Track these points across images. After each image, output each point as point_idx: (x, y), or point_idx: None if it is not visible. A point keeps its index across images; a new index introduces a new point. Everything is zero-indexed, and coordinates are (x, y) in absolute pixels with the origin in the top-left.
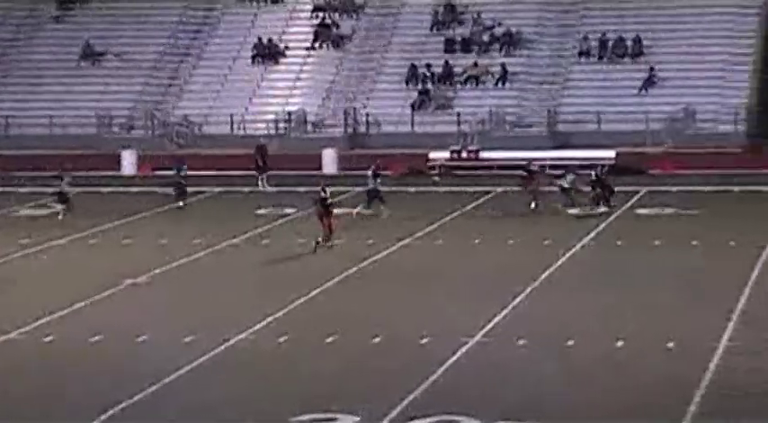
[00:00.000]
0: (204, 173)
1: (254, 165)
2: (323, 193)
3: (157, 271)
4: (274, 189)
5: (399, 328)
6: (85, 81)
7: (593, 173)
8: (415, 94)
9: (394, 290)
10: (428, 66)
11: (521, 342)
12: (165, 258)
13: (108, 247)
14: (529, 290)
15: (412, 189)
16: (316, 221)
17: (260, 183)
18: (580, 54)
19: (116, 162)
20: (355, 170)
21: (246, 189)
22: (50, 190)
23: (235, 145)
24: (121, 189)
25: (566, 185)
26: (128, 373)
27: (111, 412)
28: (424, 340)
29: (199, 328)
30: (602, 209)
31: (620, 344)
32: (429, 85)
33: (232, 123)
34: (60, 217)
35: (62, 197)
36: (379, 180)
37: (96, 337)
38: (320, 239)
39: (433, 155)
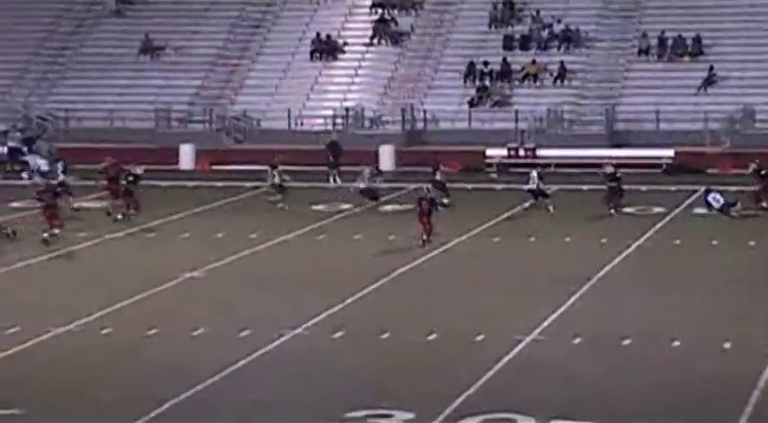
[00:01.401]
0: (262, 168)
1: (326, 160)
2: (426, 193)
3: (215, 265)
4: (349, 185)
5: (454, 326)
6: (145, 75)
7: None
8: (472, 91)
9: (449, 287)
10: (486, 63)
11: (576, 341)
12: (223, 252)
13: (166, 241)
14: (585, 288)
15: (468, 186)
16: (410, 219)
17: (331, 179)
18: (639, 52)
19: (174, 156)
20: (412, 166)
21: (304, 184)
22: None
23: (293, 140)
24: (179, 183)
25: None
26: (182, 367)
27: (165, 407)
28: (479, 338)
29: (254, 323)
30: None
31: (675, 344)
32: (487, 82)
33: (290, 119)
34: (125, 213)
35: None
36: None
37: (152, 331)
38: (425, 237)
39: (490, 152)
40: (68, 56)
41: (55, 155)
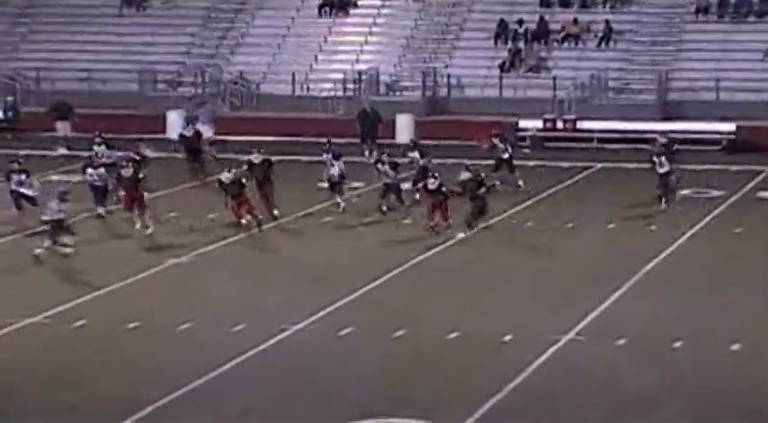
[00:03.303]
0: (262, 138)
1: (359, 132)
2: (475, 174)
3: (204, 250)
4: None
5: (479, 323)
6: (128, 31)
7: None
8: (504, 54)
9: (474, 279)
10: (520, 22)
11: (620, 342)
12: (213, 236)
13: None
14: (630, 283)
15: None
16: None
17: (366, 153)
18: (697, 11)
19: (161, 124)
20: (433, 139)
21: (310, 159)
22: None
23: (297, 108)
24: (166, 155)
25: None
26: (165, 365)
27: (144, 411)
28: (508, 337)
29: (249, 317)
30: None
31: (735, 347)
32: (521, 44)
33: (294, 83)
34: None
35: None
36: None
37: (132, 324)
38: (473, 221)
39: (523, 123)
40: (38, 8)
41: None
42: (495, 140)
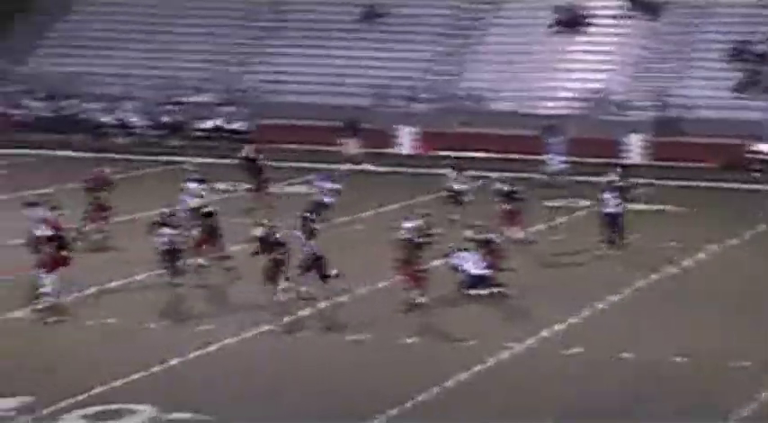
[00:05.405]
0: (488, 155)
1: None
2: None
3: None
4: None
5: (709, 346)
6: (364, 45)
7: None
8: (739, 75)
9: (699, 305)
10: (756, 42)
11: None
12: None
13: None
14: None
15: (726, 185)
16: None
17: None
18: None
19: (392, 139)
20: (663, 160)
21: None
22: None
23: (523, 125)
24: (398, 169)
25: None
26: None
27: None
28: (739, 363)
29: (478, 334)
30: None
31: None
32: (758, 65)
33: (522, 100)
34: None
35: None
36: None
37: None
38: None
39: (757, 146)
40: (279, 22)
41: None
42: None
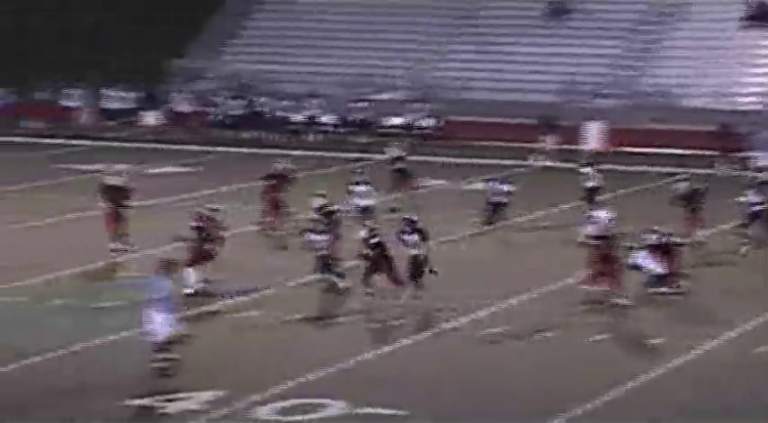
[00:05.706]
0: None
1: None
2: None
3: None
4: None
5: None
6: (549, 41)
7: None
8: None
9: None
10: None
11: None
12: None
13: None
14: None
15: None
16: None
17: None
18: None
19: (579, 136)
20: None
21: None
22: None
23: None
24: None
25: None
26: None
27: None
28: None
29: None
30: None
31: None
32: None
33: (714, 96)
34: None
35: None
36: None
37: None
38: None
39: None
40: (460, 18)
41: None
42: None
